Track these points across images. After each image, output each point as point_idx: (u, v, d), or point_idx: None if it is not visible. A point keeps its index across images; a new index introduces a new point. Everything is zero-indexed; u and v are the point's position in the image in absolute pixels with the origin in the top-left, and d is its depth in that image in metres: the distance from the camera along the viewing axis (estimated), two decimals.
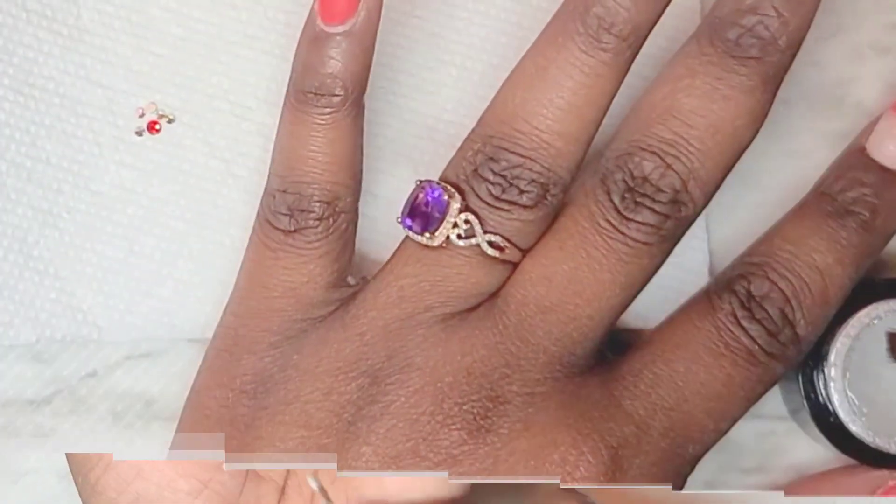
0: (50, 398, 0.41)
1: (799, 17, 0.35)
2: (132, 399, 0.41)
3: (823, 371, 0.39)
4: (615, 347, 0.41)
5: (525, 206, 0.35)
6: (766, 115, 0.36)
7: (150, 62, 0.41)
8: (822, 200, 0.37)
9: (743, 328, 0.36)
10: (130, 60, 0.41)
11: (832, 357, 0.39)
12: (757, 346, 0.35)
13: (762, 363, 0.36)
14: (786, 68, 0.36)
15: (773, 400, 0.42)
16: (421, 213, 0.36)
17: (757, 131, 0.36)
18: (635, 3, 0.35)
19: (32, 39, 0.41)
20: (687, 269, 0.41)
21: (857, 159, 0.38)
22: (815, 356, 0.39)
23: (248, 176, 0.41)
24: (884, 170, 0.37)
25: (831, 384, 0.39)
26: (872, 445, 0.39)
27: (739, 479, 0.42)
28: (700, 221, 0.42)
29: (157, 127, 0.41)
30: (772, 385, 0.36)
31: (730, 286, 0.36)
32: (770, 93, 0.36)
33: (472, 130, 0.37)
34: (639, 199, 0.35)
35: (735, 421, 0.36)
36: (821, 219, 0.37)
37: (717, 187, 0.36)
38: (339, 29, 0.36)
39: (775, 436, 0.42)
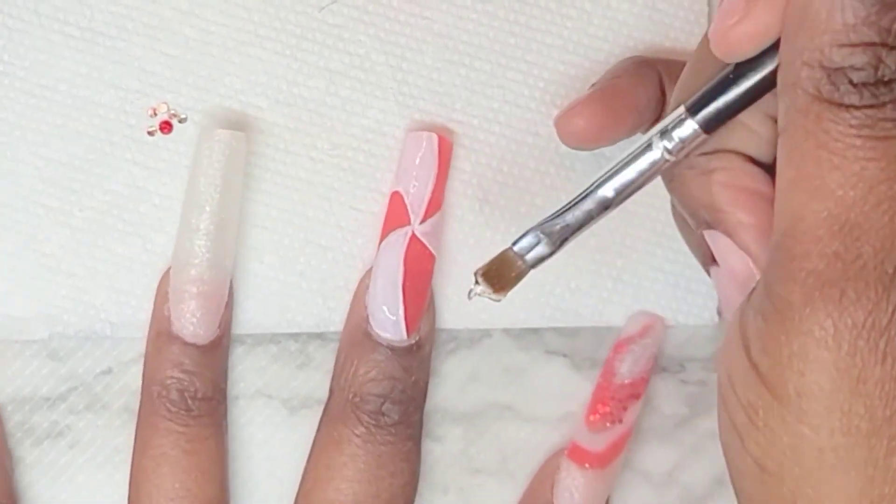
0: (65, 395, 0.42)
1: (425, 374, 0.39)
2: None
3: None
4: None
5: None
6: (420, 460, 0.39)
7: (163, 62, 0.41)
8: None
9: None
10: (142, 61, 0.41)
11: None
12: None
13: None
14: (421, 421, 0.39)
15: None
16: None
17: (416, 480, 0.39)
18: (208, 362, 0.38)
19: (45, 42, 0.41)
20: (693, 266, 0.42)
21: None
22: None
23: (259, 175, 0.42)
24: None
25: None
26: None
27: None
28: None
29: (169, 127, 0.41)
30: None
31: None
32: (419, 443, 0.39)
33: None
34: None
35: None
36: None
37: None
38: None
39: None
